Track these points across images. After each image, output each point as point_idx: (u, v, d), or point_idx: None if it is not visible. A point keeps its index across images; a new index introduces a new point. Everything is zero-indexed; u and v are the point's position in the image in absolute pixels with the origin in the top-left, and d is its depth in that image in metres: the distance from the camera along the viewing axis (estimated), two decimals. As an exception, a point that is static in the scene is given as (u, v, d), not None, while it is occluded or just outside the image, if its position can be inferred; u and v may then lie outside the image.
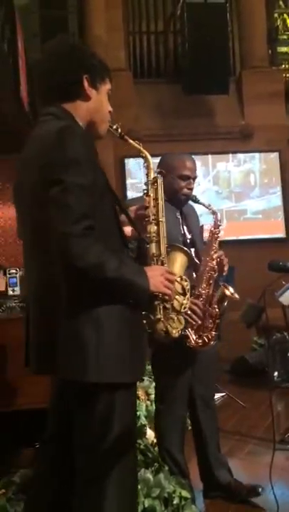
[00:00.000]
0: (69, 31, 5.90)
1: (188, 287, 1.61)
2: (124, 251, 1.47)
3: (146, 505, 1.85)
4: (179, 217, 2.23)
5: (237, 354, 4.80)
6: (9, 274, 3.68)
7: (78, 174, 1.29)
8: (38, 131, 1.44)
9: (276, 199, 6.67)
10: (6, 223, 6.23)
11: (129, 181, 6.39)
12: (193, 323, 2.03)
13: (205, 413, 2.31)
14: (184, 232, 2.22)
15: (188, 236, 2.24)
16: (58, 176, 1.29)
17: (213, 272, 2.12)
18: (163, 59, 6.95)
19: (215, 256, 2.13)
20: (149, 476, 1.99)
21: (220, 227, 2.22)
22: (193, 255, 2.13)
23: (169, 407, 2.19)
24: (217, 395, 4.06)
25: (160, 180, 1.58)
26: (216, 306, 2.07)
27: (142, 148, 1.61)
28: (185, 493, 2.01)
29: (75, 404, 1.41)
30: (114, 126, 1.56)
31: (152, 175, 1.59)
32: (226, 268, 2.16)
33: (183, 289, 1.60)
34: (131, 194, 6.28)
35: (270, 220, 6.69)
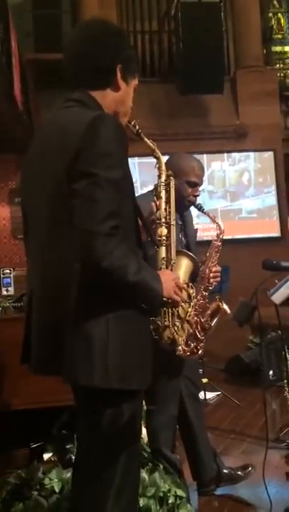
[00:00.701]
0: (62, 31, 5.88)
1: (194, 295, 1.58)
2: (140, 252, 1.40)
3: (141, 505, 1.85)
4: (180, 222, 2.21)
5: (232, 353, 4.81)
6: (3, 274, 3.67)
7: (110, 168, 1.22)
8: (60, 119, 1.35)
9: (271, 198, 6.68)
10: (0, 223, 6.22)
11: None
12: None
13: (193, 405, 2.32)
14: (181, 237, 2.21)
15: (184, 241, 2.23)
16: (89, 169, 1.21)
17: (208, 284, 2.10)
18: (157, 58, 6.95)
19: (213, 269, 2.12)
20: (144, 475, 1.99)
21: (222, 241, 2.19)
22: None
23: (160, 407, 2.19)
24: (212, 394, 4.08)
25: (173, 183, 1.54)
26: (208, 320, 2.02)
27: (156, 149, 1.57)
28: (180, 492, 2.01)
29: (83, 405, 1.39)
30: (133, 123, 1.51)
31: (164, 176, 1.54)
32: (214, 283, 2.12)
33: (189, 296, 1.58)
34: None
35: (264, 220, 6.70)
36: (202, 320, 1.99)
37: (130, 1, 6.99)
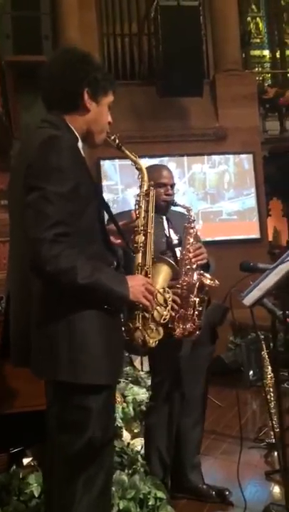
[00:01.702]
0: (42, 33, 5.85)
1: (171, 299, 1.64)
2: (109, 259, 1.49)
3: (121, 507, 1.86)
4: (164, 221, 2.38)
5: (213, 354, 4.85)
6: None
7: (58, 183, 1.33)
8: (31, 138, 1.48)
9: (251, 200, 6.75)
10: (-21, 226, 6.15)
11: (105, 183, 6.37)
12: (177, 313, 2.08)
13: (184, 411, 2.34)
14: (170, 235, 2.36)
15: (176, 237, 2.36)
16: (38, 183, 1.33)
17: (190, 264, 2.20)
18: (137, 61, 6.97)
19: (192, 249, 2.22)
20: (124, 477, 1.99)
21: (193, 222, 2.32)
22: (179, 254, 2.27)
23: (160, 404, 2.22)
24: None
25: (152, 193, 1.63)
26: (195, 295, 2.14)
27: (137, 160, 1.65)
28: (160, 494, 2.02)
29: (52, 402, 1.46)
30: (112, 137, 1.59)
31: (146, 187, 1.63)
32: (200, 258, 2.21)
33: (165, 300, 1.62)
34: (107, 196, 6.26)
35: (245, 221, 6.76)
36: (190, 299, 2.11)
37: (110, 4, 7.00)
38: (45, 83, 1.52)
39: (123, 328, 1.52)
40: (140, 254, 1.56)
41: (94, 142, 1.56)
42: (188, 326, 2.10)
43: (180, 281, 2.15)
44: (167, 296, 1.63)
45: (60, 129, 1.45)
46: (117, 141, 1.60)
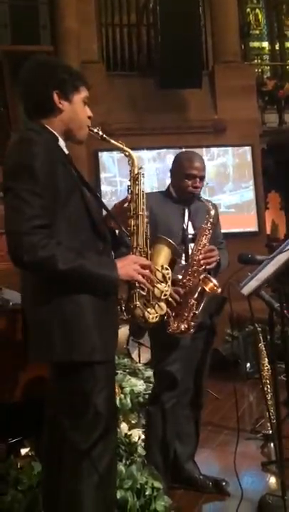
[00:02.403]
0: (40, 22, 5.81)
1: (170, 275, 1.67)
2: (98, 245, 1.56)
3: (118, 497, 1.86)
4: (185, 213, 2.32)
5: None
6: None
7: (27, 180, 1.41)
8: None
9: (249, 193, 6.75)
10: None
11: (103, 175, 6.35)
12: (173, 311, 2.07)
13: (182, 403, 2.35)
14: (186, 228, 2.30)
15: (191, 231, 2.30)
16: (9, 183, 1.44)
17: (198, 266, 2.16)
18: (136, 52, 6.92)
19: (203, 251, 2.18)
20: (122, 467, 2.00)
21: (211, 224, 2.24)
22: (191, 249, 2.24)
23: (163, 398, 2.23)
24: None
25: (140, 177, 1.66)
26: (195, 299, 2.11)
27: (124, 147, 1.68)
28: (157, 484, 2.03)
29: (54, 384, 1.55)
30: (96, 130, 1.64)
31: (136, 171, 1.67)
32: (209, 261, 2.18)
33: (164, 276, 1.68)
34: (105, 188, 6.25)
35: (243, 214, 6.76)
36: (192, 300, 2.11)
37: (109, -6, 6.95)
38: (21, 96, 1.62)
39: (123, 309, 1.60)
40: (134, 237, 1.63)
41: (76, 139, 1.63)
42: (181, 325, 2.09)
43: (184, 280, 2.14)
44: (166, 272, 1.67)
45: (41, 133, 1.53)
46: (100, 132, 1.64)
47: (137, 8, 7.01)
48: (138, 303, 1.57)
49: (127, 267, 1.51)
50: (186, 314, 2.10)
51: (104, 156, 6.24)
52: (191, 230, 2.31)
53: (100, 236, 1.57)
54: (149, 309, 1.60)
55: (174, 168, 2.36)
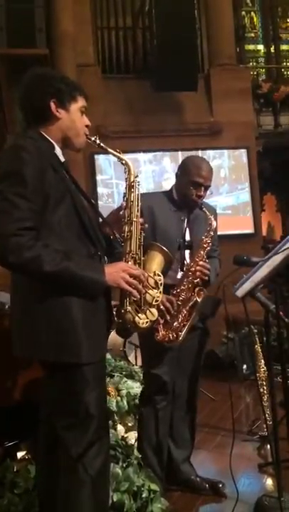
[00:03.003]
0: (35, 25, 5.81)
1: (162, 282, 1.69)
2: (89, 249, 1.58)
3: (114, 500, 1.87)
4: (184, 220, 2.28)
5: (207, 348, 4.87)
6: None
7: (15, 184, 1.45)
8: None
9: (245, 195, 6.76)
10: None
11: (99, 177, 6.35)
12: (163, 319, 2.07)
13: (176, 404, 2.35)
14: (184, 236, 2.27)
15: (188, 239, 2.29)
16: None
17: (194, 278, 2.16)
18: (131, 55, 6.93)
19: (200, 263, 2.17)
20: (118, 470, 2.00)
21: (212, 238, 2.24)
22: (187, 257, 2.25)
23: (154, 400, 2.23)
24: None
25: (135, 185, 1.69)
26: (187, 310, 2.12)
27: (121, 156, 1.72)
28: (154, 487, 2.03)
29: (46, 384, 1.59)
30: (93, 139, 1.69)
31: (132, 179, 1.70)
32: (205, 273, 2.18)
33: (156, 283, 1.70)
34: (101, 190, 6.26)
35: (239, 216, 6.78)
36: (184, 310, 2.11)
37: (104, -3, 6.96)
38: (20, 105, 1.67)
39: (114, 312, 1.62)
40: (127, 242, 1.65)
41: (74, 146, 1.67)
42: (170, 334, 2.09)
43: (178, 290, 2.14)
44: (158, 278, 1.70)
45: (37, 140, 1.57)
46: (98, 141, 1.68)
47: (133, 11, 7.02)
48: (129, 308, 1.59)
49: (115, 274, 1.53)
50: (175, 324, 2.09)
51: (101, 159, 6.24)
52: (187, 237, 2.29)
53: (92, 241, 1.60)
54: (139, 314, 1.61)
55: (180, 172, 2.30)
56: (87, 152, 5.88)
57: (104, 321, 1.62)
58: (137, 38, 6.97)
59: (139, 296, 1.60)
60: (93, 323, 1.54)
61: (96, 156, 6.17)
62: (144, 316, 1.62)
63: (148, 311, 1.63)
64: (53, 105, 1.61)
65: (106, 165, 6.27)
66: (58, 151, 1.63)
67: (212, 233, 2.23)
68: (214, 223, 2.24)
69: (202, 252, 2.20)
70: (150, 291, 1.65)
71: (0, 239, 1.42)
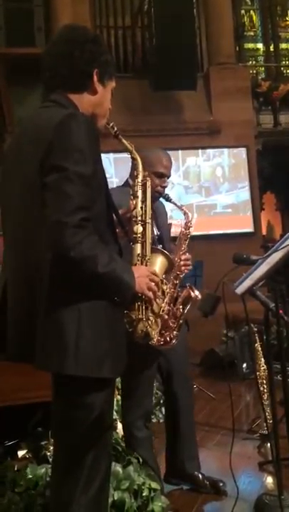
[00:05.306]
0: (35, 24, 5.81)
1: (168, 291, 1.61)
2: (115, 247, 1.45)
3: (115, 498, 1.87)
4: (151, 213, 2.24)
5: (207, 347, 4.88)
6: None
7: (80, 163, 1.27)
8: (37, 117, 1.42)
9: (245, 193, 6.77)
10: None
11: (98, 177, 6.36)
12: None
13: (183, 389, 2.34)
14: (152, 229, 2.17)
15: (157, 233, 2.24)
16: (60, 163, 1.26)
17: (179, 273, 2.13)
18: (131, 54, 6.94)
19: (183, 257, 2.15)
20: (119, 469, 2.00)
21: (190, 229, 2.22)
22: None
23: (136, 402, 2.21)
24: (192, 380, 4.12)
25: (149, 183, 1.60)
26: (180, 307, 2.05)
27: (133, 150, 1.61)
28: (154, 485, 2.03)
29: (56, 396, 1.41)
30: (111, 124, 1.56)
31: (141, 177, 1.60)
32: (185, 270, 2.16)
33: (163, 292, 1.63)
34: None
35: (239, 215, 6.78)
36: (173, 308, 2.02)
37: (103, -4, 6.96)
38: (49, 64, 1.45)
39: (125, 320, 1.49)
40: (139, 245, 1.53)
41: (96, 127, 1.49)
42: (166, 334, 2.00)
43: (166, 287, 2.06)
44: (165, 287, 1.61)
45: (68, 108, 1.40)
46: (115, 128, 1.56)
47: (132, 10, 7.02)
48: (142, 316, 1.48)
49: (142, 279, 1.40)
50: (171, 323, 2.02)
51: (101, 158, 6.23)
52: (155, 231, 2.23)
53: (115, 237, 1.48)
54: (150, 323, 1.51)
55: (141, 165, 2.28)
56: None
57: (126, 330, 1.46)
58: (136, 37, 6.98)
59: (155, 304, 1.49)
60: (118, 333, 1.40)
61: (96, 155, 6.16)
62: (154, 326, 1.54)
63: (154, 321, 1.55)
64: (95, 76, 1.44)
65: (106, 163, 6.26)
66: None
67: (190, 224, 2.21)
68: (190, 214, 2.22)
69: (184, 245, 2.18)
70: (157, 301, 1.55)
71: (61, 230, 1.23)
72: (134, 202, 1.58)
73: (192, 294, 2.06)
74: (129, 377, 2.14)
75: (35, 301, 1.35)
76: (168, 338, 2.01)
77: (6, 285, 1.46)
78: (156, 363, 2.23)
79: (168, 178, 2.25)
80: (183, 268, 2.14)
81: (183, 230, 2.21)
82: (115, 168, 6.16)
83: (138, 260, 1.52)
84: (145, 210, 1.58)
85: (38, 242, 1.31)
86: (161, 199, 2.30)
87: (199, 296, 2.08)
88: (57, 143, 1.28)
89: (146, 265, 1.52)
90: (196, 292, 2.08)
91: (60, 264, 1.28)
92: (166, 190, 2.31)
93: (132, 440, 2.23)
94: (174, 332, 2.02)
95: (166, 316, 2.02)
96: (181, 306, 2.05)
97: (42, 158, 1.30)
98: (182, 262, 2.14)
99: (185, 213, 2.23)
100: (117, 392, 3.15)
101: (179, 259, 2.14)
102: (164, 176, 2.21)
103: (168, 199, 2.25)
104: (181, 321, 2.04)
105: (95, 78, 1.45)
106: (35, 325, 1.34)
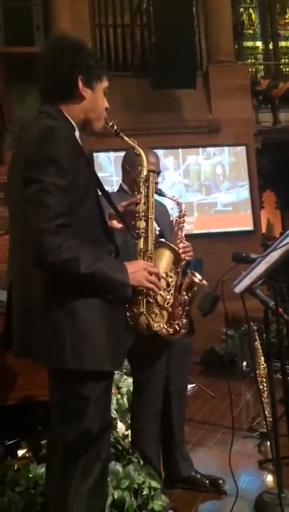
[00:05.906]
0: (33, 23, 5.80)
1: (173, 283, 1.64)
2: (109, 247, 1.50)
3: (115, 497, 1.87)
4: None
5: (207, 345, 4.88)
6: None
7: (55, 174, 1.33)
8: (29, 129, 1.47)
9: (244, 192, 6.76)
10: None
11: (99, 175, 6.27)
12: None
13: (176, 401, 2.35)
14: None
15: (157, 228, 2.24)
16: (36, 176, 1.33)
17: (180, 260, 2.15)
18: (130, 53, 6.92)
19: (181, 245, 2.16)
20: (119, 467, 2.01)
21: (184, 217, 2.25)
22: None
23: (144, 405, 2.22)
24: (188, 386, 4.12)
25: (152, 178, 1.62)
26: (184, 293, 2.08)
27: (136, 146, 1.64)
28: (154, 484, 2.03)
29: (51, 391, 1.47)
30: (110, 123, 1.59)
31: (145, 172, 1.62)
32: (186, 258, 2.18)
33: (168, 284, 1.66)
34: (101, 188, 6.25)
35: (239, 213, 6.77)
36: (178, 296, 2.04)
37: (102, -6, 6.94)
38: (39, 75, 1.51)
39: (128, 314, 1.52)
40: (142, 240, 1.56)
41: (93, 130, 1.56)
42: (174, 323, 2.01)
43: (172, 280, 2.12)
44: (170, 280, 1.65)
45: (57, 119, 1.45)
46: (115, 127, 1.59)
47: (131, 8, 7.00)
48: (144, 309, 1.51)
49: (138, 273, 1.45)
50: (178, 312, 2.03)
51: (101, 156, 6.23)
52: (156, 226, 2.30)
53: (110, 237, 1.52)
54: (153, 316, 1.54)
55: (130, 165, 2.27)
56: (87, 149, 5.87)
57: (125, 325, 1.53)
58: (135, 36, 6.96)
59: (156, 296, 1.53)
60: (116, 328, 1.44)
61: (96, 154, 6.16)
62: (157, 318, 1.56)
63: (159, 313, 1.57)
64: (80, 82, 1.48)
65: (106, 162, 6.26)
66: (77, 134, 1.50)
67: (183, 212, 2.25)
68: (183, 204, 2.25)
69: (180, 233, 2.20)
70: (162, 293, 1.58)
71: (38, 235, 1.30)
72: (138, 197, 1.61)
73: (195, 279, 2.09)
74: (141, 367, 2.18)
75: (33, 301, 1.41)
76: (177, 328, 2.03)
77: (11, 286, 1.54)
78: (166, 355, 2.23)
79: (158, 174, 2.26)
80: (183, 255, 2.15)
81: (177, 218, 2.24)
82: (115, 167, 6.16)
83: (140, 255, 1.56)
84: (148, 206, 1.59)
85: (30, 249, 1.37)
86: (158, 198, 2.32)
87: (204, 282, 2.10)
88: (34, 156, 1.36)
89: (149, 260, 1.55)
90: (199, 277, 2.10)
91: (43, 269, 1.36)
92: (167, 189, 2.34)
93: (141, 436, 2.24)
94: (183, 320, 2.04)
95: (171, 309, 2.04)
96: (184, 293, 2.07)
97: (24, 170, 1.38)
98: (181, 250, 2.15)
99: (178, 203, 2.27)
100: (117, 392, 3.15)
101: (177, 247, 2.16)
102: (153, 172, 2.25)
103: (161, 194, 2.26)
104: (187, 308, 2.07)
105: (80, 85, 1.48)
106: (33, 325, 1.41)
